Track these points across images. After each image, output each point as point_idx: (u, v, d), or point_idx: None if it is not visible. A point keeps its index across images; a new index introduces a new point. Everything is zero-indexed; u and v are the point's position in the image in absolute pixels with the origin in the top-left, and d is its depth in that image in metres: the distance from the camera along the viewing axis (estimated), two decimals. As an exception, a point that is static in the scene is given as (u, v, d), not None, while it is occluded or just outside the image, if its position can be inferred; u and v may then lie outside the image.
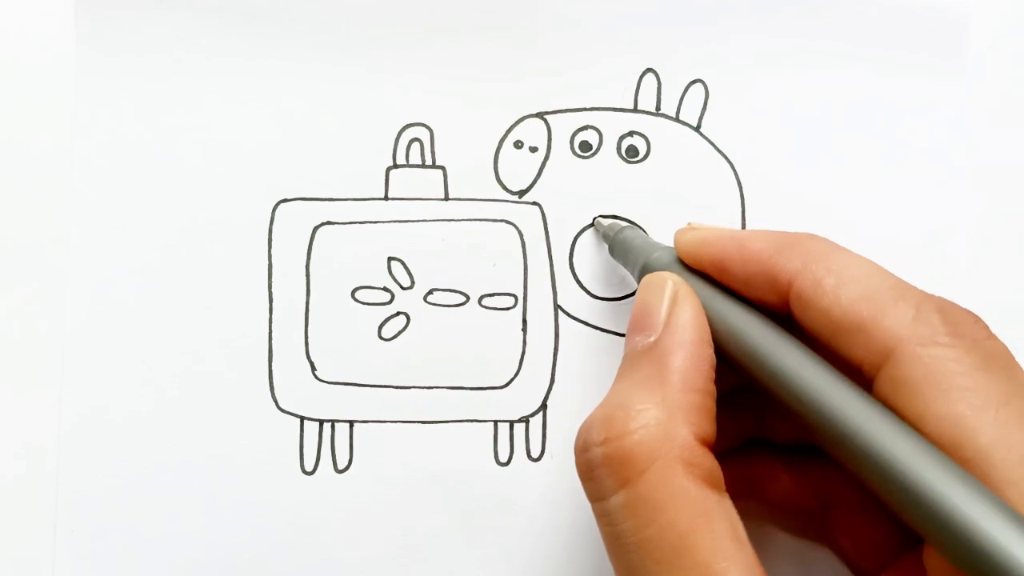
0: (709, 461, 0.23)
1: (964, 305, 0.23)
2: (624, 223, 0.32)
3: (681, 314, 0.25)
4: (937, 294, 0.24)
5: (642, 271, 0.28)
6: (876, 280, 0.23)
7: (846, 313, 0.23)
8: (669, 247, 0.28)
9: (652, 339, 0.24)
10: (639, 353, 0.25)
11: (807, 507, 0.29)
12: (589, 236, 0.33)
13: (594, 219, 0.33)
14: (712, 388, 0.24)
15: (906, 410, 0.22)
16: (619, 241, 0.31)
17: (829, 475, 0.28)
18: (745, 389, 0.26)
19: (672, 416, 0.23)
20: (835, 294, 0.23)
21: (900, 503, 0.21)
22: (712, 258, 0.26)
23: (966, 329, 0.22)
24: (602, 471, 0.23)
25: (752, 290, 0.25)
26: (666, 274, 0.26)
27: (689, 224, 0.28)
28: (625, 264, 0.30)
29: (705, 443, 0.23)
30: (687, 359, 0.24)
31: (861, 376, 0.23)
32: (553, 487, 0.32)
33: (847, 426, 0.22)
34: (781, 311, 0.25)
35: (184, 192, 0.33)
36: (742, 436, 0.30)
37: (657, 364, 0.24)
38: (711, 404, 0.24)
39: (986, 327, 0.23)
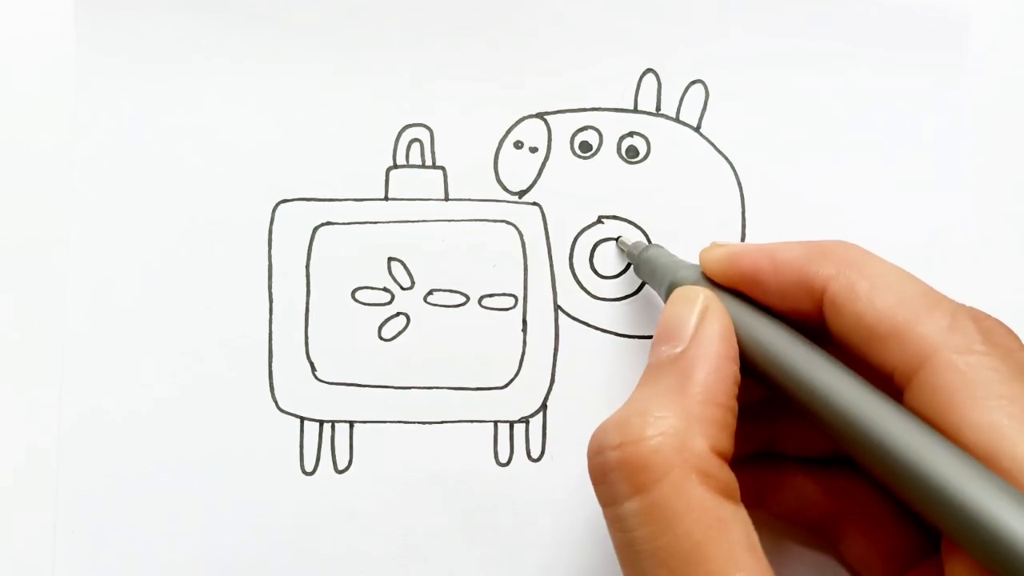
0: (725, 473, 0.23)
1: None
2: (647, 242, 0.32)
3: (709, 327, 0.25)
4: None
5: (669, 289, 0.28)
6: (910, 287, 0.23)
7: (881, 318, 0.23)
8: (695, 265, 0.28)
9: (678, 350, 0.24)
10: (663, 363, 0.25)
11: (820, 517, 0.29)
12: (589, 236, 0.33)
13: (617, 239, 0.33)
14: (734, 404, 0.24)
15: (941, 419, 0.22)
16: (644, 260, 0.31)
17: (841, 486, 0.28)
18: (760, 401, 0.26)
19: (690, 426, 0.22)
20: (869, 299, 0.23)
21: (938, 514, 0.20)
22: (744, 271, 0.26)
23: (1000, 339, 0.22)
24: (615, 475, 0.23)
25: (786, 300, 0.25)
26: (699, 288, 0.26)
27: (713, 243, 0.28)
28: (651, 282, 0.30)
29: (722, 456, 0.23)
30: (711, 372, 0.24)
31: (892, 384, 0.23)
32: (553, 487, 0.32)
33: (882, 437, 0.22)
34: (814, 320, 0.25)
35: (184, 192, 0.33)
36: (754, 447, 0.30)
37: (680, 375, 0.24)
38: (731, 420, 0.24)
39: (1018, 338, 0.23)
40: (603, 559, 0.32)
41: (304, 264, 0.33)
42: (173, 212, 0.33)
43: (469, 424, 0.32)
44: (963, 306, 0.23)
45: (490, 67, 0.33)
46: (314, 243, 0.33)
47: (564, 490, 0.32)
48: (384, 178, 0.33)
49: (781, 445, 0.30)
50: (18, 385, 0.32)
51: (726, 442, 0.23)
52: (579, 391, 0.33)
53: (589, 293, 0.33)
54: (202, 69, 0.33)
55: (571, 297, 0.33)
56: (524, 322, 0.33)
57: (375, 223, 0.33)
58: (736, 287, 0.26)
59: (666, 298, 0.28)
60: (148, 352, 0.32)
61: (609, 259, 0.33)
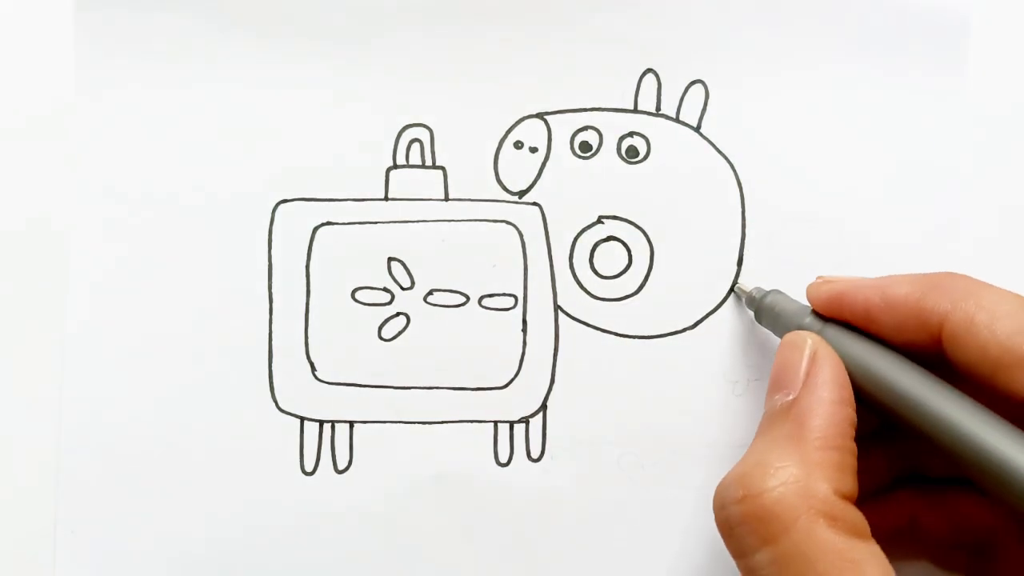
0: (852, 513, 0.23)
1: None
2: (766, 288, 0.31)
3: (820, 373, 0.25)
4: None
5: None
6: None
7: (1004, 348, 0.23)
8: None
9: (790, 398, 0.25)
10: (777, 412, 0.25)
11: (964, 544, 0.29)
12: (589, 236, 0.33)
13: (735, 286, 0.33)
14: (852, 446, 0.24)
15: None
16: (767, 307, 0.30)
17: (986, 509, 0.28)
18: (893, 425, 0.26)
19: (811, 473, 0.23)
20: (990, 330, 0.23)
21: None
22: (855, 309, 0.26)
23: None
24: (742, 529, 0.23)
25: (901, 335, 0.25)
26: (805, 333, 0.27)
27: (819, 278, 0.28)
28: (774, 330, 0.30)
29: (846, 498, 0.23)
30: (825, 417, 0.24)
31: (1021, 410, 0.23)
32: (553, 487, 0.32)
33: (1010, 467, 0.22)
34: (931, 351, 0.25)
35: (184, 192, 0.33)
36: (893, 473, 0.29)
37: (795, 423, 0.24)
38: (851, 461, 0.24)
39: None
40: (603, 559, 0.32)
41: (304, 264, 0.33)
42: (173, 212, 0.33)
43: (469, 424, 0.32)
44: None
45: (490, 67, 0.33)
46: (314, 243, 0.33)
47: (564, 490, 0.32)
48: (384, 178, 0.33)
49: (921, 468, 0.29)
50: (18, 385, 0.32)
51: (849, 483, 0.23)
52: (579, 391, 0.33)
53: (589, 293, 0.33)
54: (202, 69, 0.33)
55: (571, 297, 0.33)
56: (524, 322, 0.33)
57: (375, 223, 0.33)
58: (849, 322, 0.27)
59: None
60: (148, 352, 0.32)
61: (609, 259, 0.33)
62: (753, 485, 0.23)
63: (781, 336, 0.29)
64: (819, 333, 0.27)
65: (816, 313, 0.28)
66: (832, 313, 0.27)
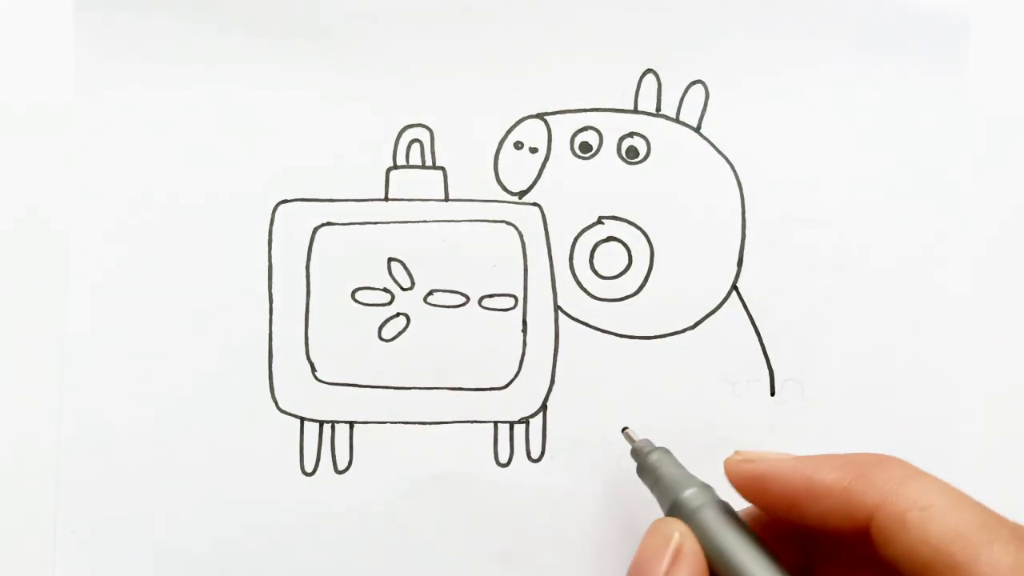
0: None
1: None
2: (655, 444, 0.29)
3: (678, 574, 0.24)
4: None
5: (670, 509, 0.27)
6: (965, 515, 0.22)
7: (936, 554, 0.21)
8: (705, 485, 0.27)
9: None
10: None
11: None
12: (589, 236, 0.33)
13: (624, 429, 0.31)
14: None
15: None
16: (650, 465, 0.28)
17: None
18: None
19: None
20: (922, 531, 0.22)
21: None
22: (777, 495, 0.25)
23: None
24: None
25: (826, 524, 0.24)
26: (674, 524, 0.25)
27: (736, 452, 0.26)
28: (652, 490, 0.28)
29: None
30: None
31: None
32: (553, 487, 0.32)
33: None
34: (859, 540, 0.23)
35: (184, 192, 0.33)
36: None
37: None
38: None
39: None
40: (603, 559, 0.32)
41: (304, 264, 0.33)
42: (173, 212, 0.33)
43: (469, 425, 0.32)
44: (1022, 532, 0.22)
45: (490, 67, 0.33)
46: (314, 243, 0.33)
47: (564, 490, 0.32)
48: (384, 178, 0.33)
49: None
50: (18, 386, 0.32)
51: None
52: (579, 391, 0.33)
53: (589, 293, 0.33)
54: (202, 69, 0.33)
55: (571, 297, 0.33)
56: (524, 322, 0.33)
57: (375, 223, 0.33)
58: (767, 509, 0.25)
59: (665, 511, 0.27)
60: (148, 352, 0.32)
61: (609, 259, 0.33)
62: None
63: (657, 498, 0.28)
64: (693, 514, 0.25)
65: (701, 486, 0.26)
66: (751, 496, 0.26)
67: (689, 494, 0.26)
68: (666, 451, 0.29)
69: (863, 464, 0.24)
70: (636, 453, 0.29)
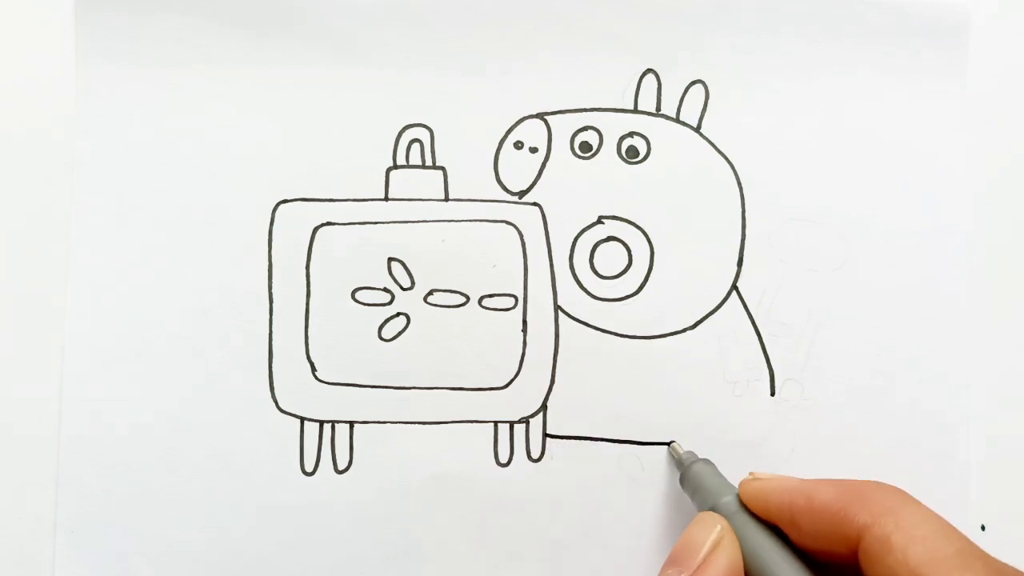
0: None
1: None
2: (699, 455, 0.32)
3: (717, 560, 0.26)
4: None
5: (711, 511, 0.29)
6: (942, 543, 0.23)
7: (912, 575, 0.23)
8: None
9: (683, 575, 0.26)
10: None
11: None
12: (589, 236, 0.33)
13: (670, 443, 0.33)
14: None
15: None
16: (692, 475, 0.31)
17: None
18: None
19: None
20: (903, 554, 0.23)
21: None
22: (780, 511, 0.26)
23: None
24: None
25: (820, 541, 0.25)
26: (718, 517, 0.27)
27: (751, 473, 0.29)
28: (692, 497, 0.30)
29: None
30: None
31: None
32: (553, 487, 0.32)
33: None
34: (849, 562, 0.25)
35: (184, 192, 0.33)
36: None
37: None
38: None
39: None
40: (603, 559, 0.32)
41: (304, 264, 0.33)
42: (173, 212, 0.33)
43: (469, 424, 0.32)
44: (1001, 567, 0.23)
45: (490, 67, 0.33)
46: (314, 243, 0.33)
47: (564, 490, 0.32)
48: (384, 178, 0.33)
49: None
50: (18, 385, 0.32)
51: None
52: (579, 391, 0.33)
53: (589, 293, 0.33)
54: (202, 70, 0.33)
55: (571, 297, 0.33)
56: (524, 322, 0.33)
57: (375, 223, 0.33)
58: (773, 522, 0.27)
59: None
60: (148, 352, 0.32)
61: (609, 259, 0.33)
62: None
63: (697, 505, 0.30)
64: (732, 517, 0.28)
65: (738, 495, 0.28)
66: (758, 510, 0.27)
67: (728, 500, 0.28)
68: (708, 462, 0.31)
69: (861, 489, 0.25)
70: (680, 463, 0.31)
